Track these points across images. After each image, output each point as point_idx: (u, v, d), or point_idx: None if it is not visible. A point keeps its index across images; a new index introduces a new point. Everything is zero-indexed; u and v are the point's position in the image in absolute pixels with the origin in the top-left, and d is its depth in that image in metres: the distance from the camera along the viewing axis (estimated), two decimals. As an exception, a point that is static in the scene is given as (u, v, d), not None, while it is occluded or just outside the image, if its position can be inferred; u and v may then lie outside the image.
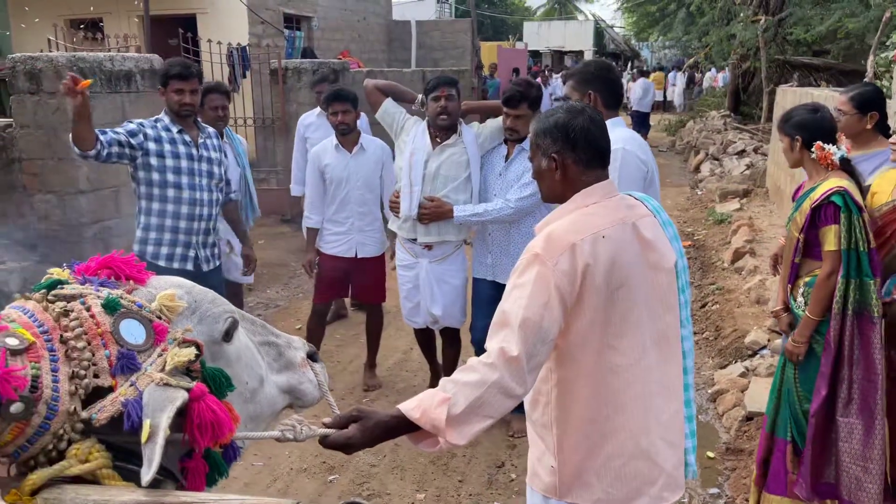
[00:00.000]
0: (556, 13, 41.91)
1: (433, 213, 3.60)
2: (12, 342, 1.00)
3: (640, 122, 15.19)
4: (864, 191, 2.75)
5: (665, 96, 24.00)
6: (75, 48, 8.88)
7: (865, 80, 7.32)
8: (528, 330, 1.57)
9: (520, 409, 3.47)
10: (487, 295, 3.70)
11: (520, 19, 36.69)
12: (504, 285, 3.41)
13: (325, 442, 1.46)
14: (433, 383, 3.90)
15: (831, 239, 2.62)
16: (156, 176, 3.48)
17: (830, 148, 2.68)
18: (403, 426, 1.53)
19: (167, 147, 3.48)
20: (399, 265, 3.94)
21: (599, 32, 37.32)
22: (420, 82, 11.74)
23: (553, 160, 1.77)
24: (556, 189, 1.80)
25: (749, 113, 14.87)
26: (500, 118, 3.61)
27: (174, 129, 3.52)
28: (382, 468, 3.57)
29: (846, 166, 2.71)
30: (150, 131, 3.47)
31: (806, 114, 2.80)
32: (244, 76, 9.34)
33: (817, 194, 2.68)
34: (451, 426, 1.49)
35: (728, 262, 6.60)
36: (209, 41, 8.54)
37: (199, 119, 3.71)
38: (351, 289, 4.43)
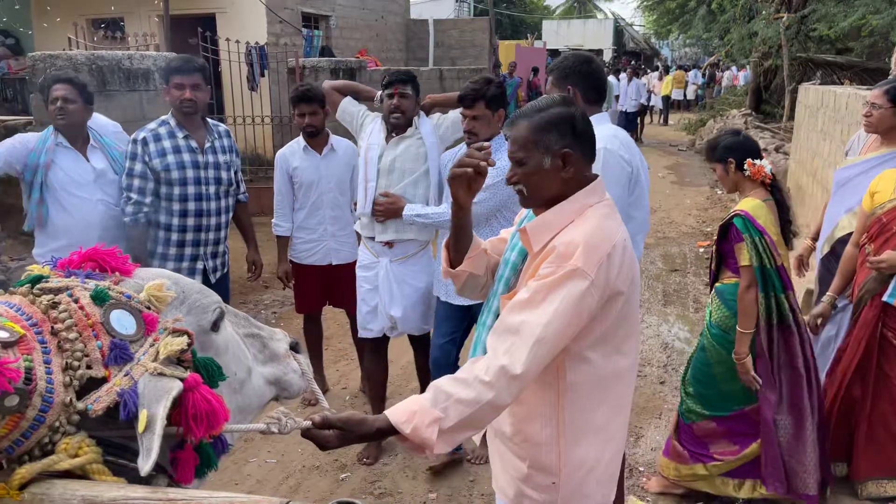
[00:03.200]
0: (575, 11, 41.69)
1: (387, 209, 3.31)
2: (2, 335, 0.99)
3: (628, 123, 15.44)
4: (785, 206, 2.97)
5: (685, 95, 23.81)
6: (95, 47, 8.98)
7: (890, 77, 7.17)
8: (541, 349, 1.51)
9: None
10: (443, 312, 3.39)
11: (539, 18, 36.53)
12: (457, 306, 3.30)
13: (304, 434, 1.44)
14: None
15: (745, 254, 2.79)
16: (163, 189, 3.32)
17: (761, 163, 2.90)
18: (390, 433, 1.49)
19: (171, 158, 3.29)
20: (359, 265, 3.63)
21: (619, 31, 37.10)
22: (437, 81, 11.76)
23: (561, 157, 1.64)
24: (553, 189, 1.66)
25: (770, 112, 14.66)
26: None
27: (180, 135, 3.33)
28: (394, 467, 3.55)
29: (774, 183, 2.95)
30: (152, 147, 3.28)
31: (731, 138, 3.03)
32: (262, 75, 9.39)
33: (729, 213, 2.94)
34: (440, 440, 1.47)
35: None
36: (227, 40, 8.58)
37: (206, 118, 3.51)
38: (329, 297, 4.22)
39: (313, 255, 4.04)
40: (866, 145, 3.33)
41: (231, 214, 3.64)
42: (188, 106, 3.32)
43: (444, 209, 3.14)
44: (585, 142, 1.69)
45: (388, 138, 3.40)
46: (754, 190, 2.92)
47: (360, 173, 3.43)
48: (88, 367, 1.04)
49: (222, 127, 3.59)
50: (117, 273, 1.18)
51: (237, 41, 8.73)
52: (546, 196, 1.69)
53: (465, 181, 1.72)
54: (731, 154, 2.94)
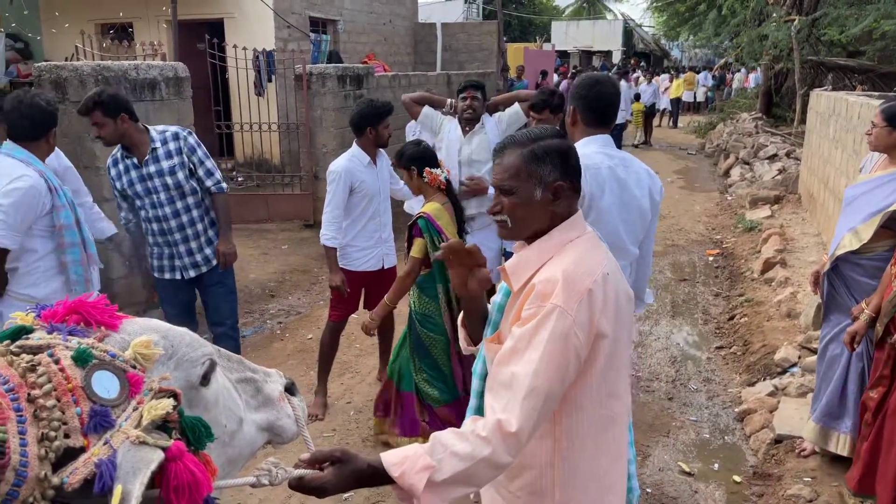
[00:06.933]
0: (584, 13, 41.54)
1: (472, 189, 4.24)
2: None
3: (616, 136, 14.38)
4: (460, 208, 3.58)
5: (695, 97, 23.68)
6: (103, 55, 8.99)
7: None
8: (534, 401, 1.44)
9: None
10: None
11: (548, 19, 36.42)
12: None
13: (295, 485, 1.37)
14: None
15: (417, 248, 3.43)
16: (136, 202, 3.76)
17: (436, 171, 3.51)
18: (382, 477, 1.43)
19: (124, 178, 3.67)
20: None
21: (628, 32, 36.92)
22: (445, 85, 11.71)
23: (553, 190, 1.58)
24: (539, 223, 1.61)
25: (781, 115, 14.56)
26: (517, 104, 4.42)
27: (120, 155, 3.68)
28: (398, 486, 3.51)
29: (448, 187, 3.57)
30: (112, 171, 3.70)
31: (413, 148, 3.57)
32: (269, 80, 9.37)
33: (416, 213, 3.49)
34: (430, 491, 1.40)
35: (758, 272, 6.42)
36: (234, 46, 8.57)
37: (148, 128, 3.66)
38: (365, 300, 4.40)
39: (367, 261, 4.23)
40: (876, 164, 3.29)
41: (196, 212, 3.78)
42: (102, 140, 3.58)
43: None
44: (576, 176, 1.63)
45: (464, 132, 4.42)
46: (436, 194, 3.52)
47: (445, 163, 4.38)
48: (66, 436, 0.97)
49: (169, 131, 3.70)
50: (102, 327, 1.12)
51: (244, 48, 8.71)
52: (530, 230, 1.63)
53: (461, 277, 1.78)
54: (414, 163, 3.49)
